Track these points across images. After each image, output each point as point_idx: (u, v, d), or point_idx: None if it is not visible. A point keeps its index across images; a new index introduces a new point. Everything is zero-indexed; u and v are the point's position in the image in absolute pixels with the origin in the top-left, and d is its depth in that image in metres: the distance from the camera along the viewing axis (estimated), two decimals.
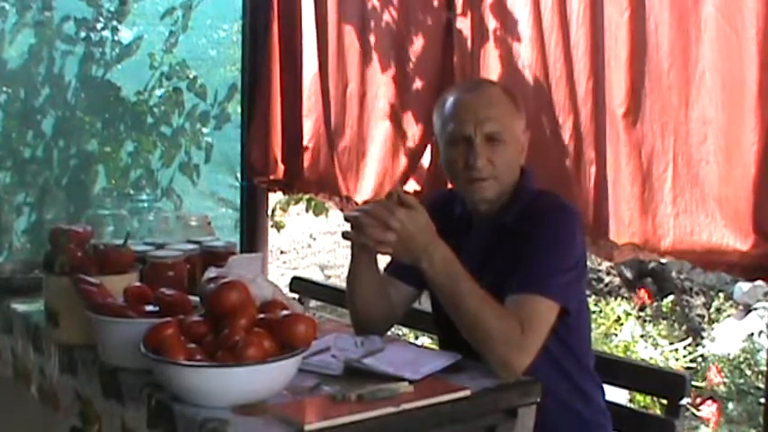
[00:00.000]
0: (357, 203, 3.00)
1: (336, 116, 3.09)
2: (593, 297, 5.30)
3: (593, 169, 2.26)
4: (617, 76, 2.18)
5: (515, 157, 1.89)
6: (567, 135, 2.32)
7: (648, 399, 3.81)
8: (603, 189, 2.23)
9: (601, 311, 4.85)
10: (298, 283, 2.95)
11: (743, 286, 5.18)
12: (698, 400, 3.95)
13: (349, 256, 1.89)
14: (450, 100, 1.91)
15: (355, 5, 2.99)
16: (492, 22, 2.51)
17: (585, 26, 2.22)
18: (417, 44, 2.81)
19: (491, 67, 2.53)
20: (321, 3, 3.10)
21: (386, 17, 2.89)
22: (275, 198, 4.56)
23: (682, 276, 5.60)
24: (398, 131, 2.90)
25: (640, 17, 2.12)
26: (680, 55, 2.02)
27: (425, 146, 2.79)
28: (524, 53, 2.42)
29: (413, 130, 2.85)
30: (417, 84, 2.82)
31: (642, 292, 5.15)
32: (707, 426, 3.86)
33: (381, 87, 2.93)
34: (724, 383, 4.26)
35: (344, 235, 1.79)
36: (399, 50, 2.86)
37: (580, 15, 2.23)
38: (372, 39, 2.94)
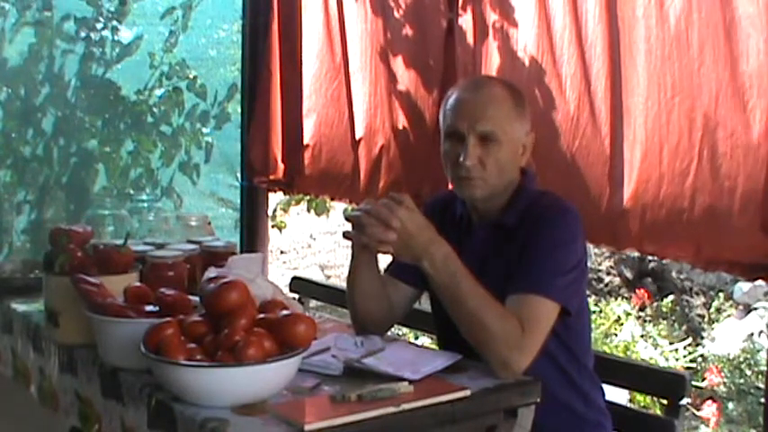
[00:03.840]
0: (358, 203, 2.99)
1: (336, 115, 3.10)
2: (594, 297, 5.31)
3: (606, 165, 2.26)
4: (633, 73, 2.18)
5: (510, 158, 1.87)
6: (579, 132, 2.32)
7: (648, 399, 3.81)
8: (618, 185, 2.23)
9: (601, 311, 4.85)
10: (298, 283, 2.95)
11: (743, 286, 5.19)
12: (698, 400, 3.96)
13: (349, 256, 1.89)
14: (453, 96, 1.92)
15: (359, 5, 2.99)
16: (493, 19, 2.51)
17: (603, 23, 2.22)
18: (419, 42, 2.81)
19: (493, 64, 2.52)
20: (326, 2, 3.11)
21: (388, 16, 2.89)
22: (276, 199, 4.56)
23: (682, 276, 5.61)
24: (399, 129, 2.90)
25: (659, 15, 2.12)
26: (710, 53, 2.03)
27: (427, 144, 2.79)
28: (529, 50, 2.42)
29: (414, 129, 2.84)
30: (420, 82, 2.81)
31: (642, 292, 5.16)
32: (707, 426, 3.86)
33: (383, 85, 2.93)
34: (724, 383, 4.26)
35: (345, 234, 1.79)
36: (401, 49, 2.86)
37: (596, 13, 2.24)
38: (375, 37, 2.94)
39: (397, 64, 2.88)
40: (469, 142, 1.83)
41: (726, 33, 2.00)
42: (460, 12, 2.63)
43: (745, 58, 1.98)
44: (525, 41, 2.43)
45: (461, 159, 1.83)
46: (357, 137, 3.04)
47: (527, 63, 2.43)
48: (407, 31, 2.84)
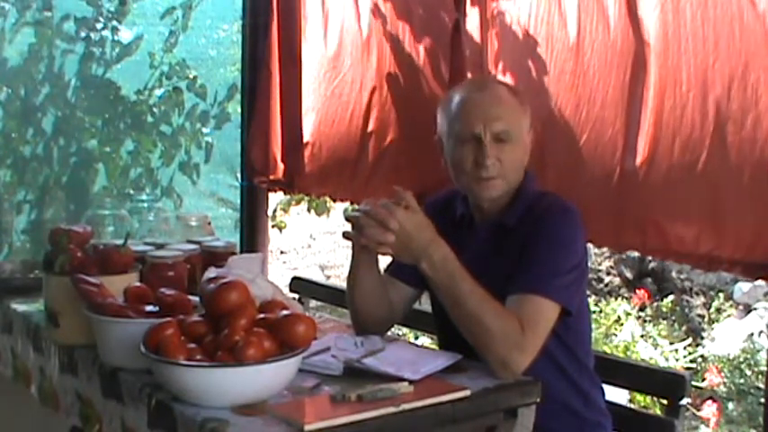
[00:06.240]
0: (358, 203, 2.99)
1: (336, 114, 3.10)
2: (594, 297, 5.31)
3: (616, 155, 2.27)
4: (651, 68, 2.19)
5: (522, 156, 1.89)
6: (587, 127, 2.33)
7: (648, 399, 3.81)
8: (628, 175, 2.24)
9: (601, 311, 4.85)
10: (298, 283, 2.95)
11: (743, 286, 5.19)
12: (698, 400, 3.96)
13: (349, 256, 1.89)
14: (456, 98, 1.91)
15: (364, 4, 2.99)
16: (501, 16, 2.52)
17: (624, 21, 2.23)
18: (425, 40, 2.81)
19: (501, 61, 2.53)
20: (323, 3, 3.11)
21: (393, 15, 2.89)
22: (276, 199, 4.56)
23: (682, 276, 5.61)
24: (402, 128, 2.90)
25: (676, 10, 2.13)
26: (725, 49, 2.05)
27: (431, 142, 2.78)
28: (539, 46, 2.42)
29: (418, 127, 2.84)
30: (424, 80, 2.81)
31: (642, 292, 5.15)
32: (707, 426, 3.86)
33: (391, 85, 2.93)
34: (724, 383, 4.26)
35: (345, 235, 1.79)
36: (408, 48, 2.86)
37: (617, 10, 2.25)
38: (381, 36, 2.94)
39: (402, 62, 2.88)
40: (487, 142, 1.83)
41: (740, 29, 2.02)
42: (468, 11, 2.63)
43: (758, 54, 2.00)
44: (535, 38, 2.44)
45: (481, 160, 1.83)
46: (359, 136, 3.03)
47: (535, 59, 2.44)
48: (413, 29, 2.84)
